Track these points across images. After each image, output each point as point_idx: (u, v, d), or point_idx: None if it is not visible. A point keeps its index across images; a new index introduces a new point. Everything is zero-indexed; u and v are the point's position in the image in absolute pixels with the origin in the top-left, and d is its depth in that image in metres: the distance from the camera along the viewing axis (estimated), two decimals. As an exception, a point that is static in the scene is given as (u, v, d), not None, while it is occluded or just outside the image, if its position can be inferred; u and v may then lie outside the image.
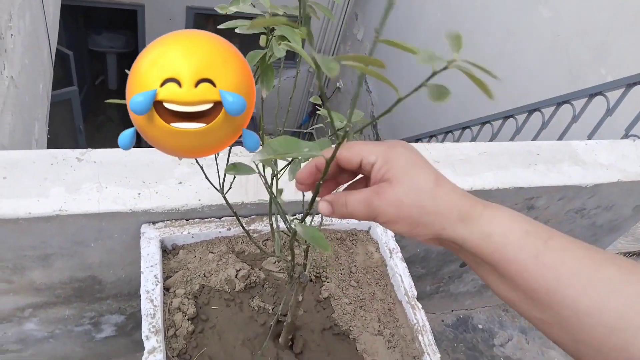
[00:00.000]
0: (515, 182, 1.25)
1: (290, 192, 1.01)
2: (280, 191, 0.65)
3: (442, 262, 1.55)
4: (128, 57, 6.36)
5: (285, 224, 0.67)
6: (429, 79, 0.39)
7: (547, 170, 1.30)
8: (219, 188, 0.68)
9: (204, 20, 5.75)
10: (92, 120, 6.18)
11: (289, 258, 0.73)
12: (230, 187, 0.71)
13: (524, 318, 0.47)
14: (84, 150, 0.97)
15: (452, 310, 1.98)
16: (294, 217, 0.73)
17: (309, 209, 0.54)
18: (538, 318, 0.44)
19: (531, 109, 2.30)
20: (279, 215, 0.71)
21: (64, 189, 0.91)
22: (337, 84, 6.17)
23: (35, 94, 2.07)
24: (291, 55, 5.25)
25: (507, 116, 2.44)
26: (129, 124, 0.47)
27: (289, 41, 0.53)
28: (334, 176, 0.52)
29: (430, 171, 0.46)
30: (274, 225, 0.73)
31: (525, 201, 1.33)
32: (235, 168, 0.56)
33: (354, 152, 0.48)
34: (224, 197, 0.69)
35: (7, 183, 0.89)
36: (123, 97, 0.46)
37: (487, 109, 2.74)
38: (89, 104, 6.12)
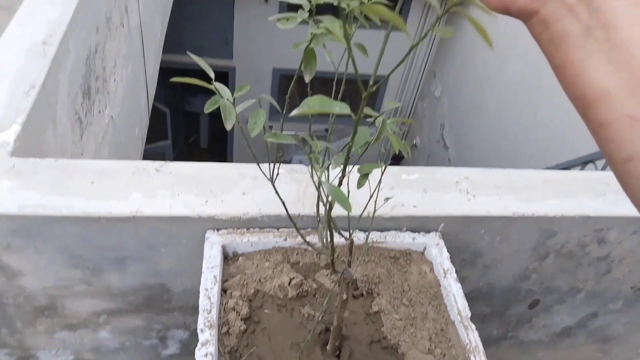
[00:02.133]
0: (582, 211, 1.21)
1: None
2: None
3: (507, 301, 1.49)
4: (219, 117, 6.84)
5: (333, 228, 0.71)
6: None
7: (617, 201, 1.24)
8: (281, 198, 0.75)
9: (288, 80, 6.12)
10: (182, 173, 6.64)
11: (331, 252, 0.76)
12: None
13: (600, 123, 0.41)
14: (162, 162, 1.09)
15: (526, 362, 1.85)
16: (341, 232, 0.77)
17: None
18: (629, 116, 0.39)
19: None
20: (324, 212, 0.76)
21: (141, 194, 1.02)
22: (414, 141, 6.21)
23: (130, 136, 2.32)
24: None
25: (586, 161, 2.35)
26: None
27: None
28: None
29: None
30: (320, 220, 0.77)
31: (595, 233, 1.27)
32: (275, 136, 0.62)
33: None
34: (283, 204, 0.75)
35: (94, 187, 1.01)
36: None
37: (567, 155, 2.65)
38: (181, 160, 6.61)
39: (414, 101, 6.30)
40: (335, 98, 0.62)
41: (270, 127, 6.36)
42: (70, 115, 1.44)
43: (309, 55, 0.66)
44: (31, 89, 1.16)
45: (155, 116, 4.17)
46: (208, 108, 0.64)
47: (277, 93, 6.17)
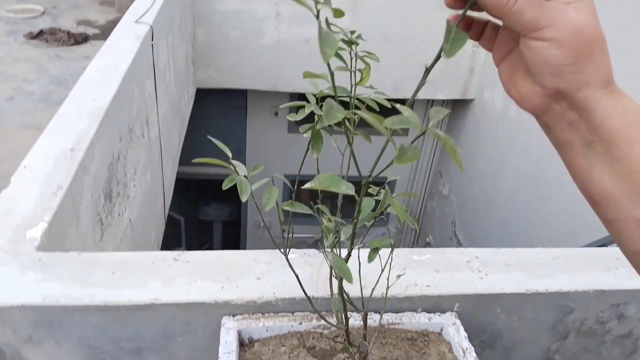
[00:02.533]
0: (596, 285, 1.21)
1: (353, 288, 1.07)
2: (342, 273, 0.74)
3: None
4: (232, 225, 6.98)
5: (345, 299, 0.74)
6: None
7: (630, 274, 1.25)
8: (298, 280, 0.78)
9: (299, 184, 6.28)
10: (195, 282, 6.60)
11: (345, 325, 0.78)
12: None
13: (609, 220, 0.44)
14: (180, 252, 1.13)
15: None
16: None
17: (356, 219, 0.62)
18: (634, 218, 0.42)
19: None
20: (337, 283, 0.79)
21: (160, 282, 1.05)
22: (427, 239, 6.21)
23: (147, 240, 2.38)
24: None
25: (602, 244, 2.35)
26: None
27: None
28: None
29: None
30: (334, 289, 0.80)
31: (612, 308, 1.25)
32: (292, 205, 0.67)
33: (531, 17, 0.42)
34: (298, 280, 0.79)
35: (115, 277, 1.05)
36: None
37: (578, 243, 2.64)
38: (194, 267, 6.61)
39: (423, 201, 6.39)
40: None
41: (283, 231, 6.42)
42: (92, 216, 1.51)
43: (316, 136, 0.73)
44: (58, 190, 1.24)
45: (171, 225, 4.26)
46: (226, 185, 0.70)
47: (289, 198, 6.32)
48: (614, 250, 1.34)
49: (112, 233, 1.75)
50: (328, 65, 0.57)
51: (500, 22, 0.48)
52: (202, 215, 7.08)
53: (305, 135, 0.71)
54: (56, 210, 1.20)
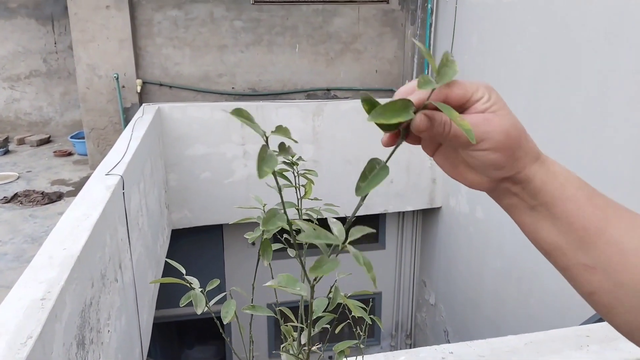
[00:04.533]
0: (570, 365, 1.22)
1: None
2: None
3: None
4: (218, 366, 6.63)
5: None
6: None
7: (601, 349, 1.27)
8: None
9: (282, 312, 6.12)
10: None
11: None
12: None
13: (562, 267, 0.48)
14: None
15: None
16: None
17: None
18: (582, 264, 0.47)
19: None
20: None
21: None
22: (423, 354, 5.97)
23: (125, 389, 2.27)
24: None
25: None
26: None
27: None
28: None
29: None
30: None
31: (593, 386, 1.25)
32: (254, 308, 0.71)
33: (464, 88, 0.48)
34: None
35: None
36: None
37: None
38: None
39: (412, 313, 6.27)
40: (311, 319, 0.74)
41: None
42: (64, 366, 1.48)
43: (265, 246, 0.80)
44: (28, 340, 1.24)
45: (152, 374, 4.05)
46: (183, 302, 0.74)
47: (273, 324, 6.12)
48: (584, 328, 1.37)
49: (86, 383, 1.69)
50: (275, 179, 0.65)
51: None
52: (185, 359, 6.74)
53: (250, 241, 0.77)
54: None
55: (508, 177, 0.50)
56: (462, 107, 0.49)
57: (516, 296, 4.01)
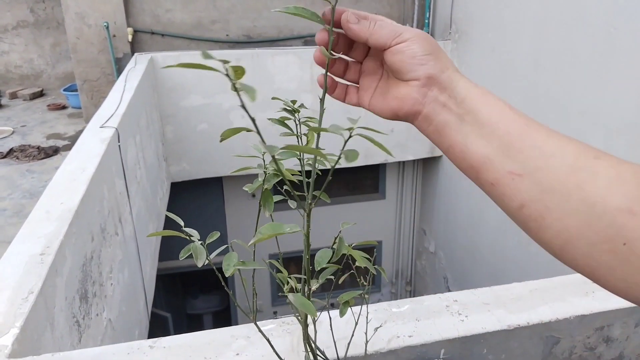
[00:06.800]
0: (576, 311, 1.21)
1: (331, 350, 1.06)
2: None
3: None
4: (222, 315, 6.79)
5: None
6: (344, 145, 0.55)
7: (608, 295, 1.25)
8: (272, 347, 0.78)
9: (285, 261, 6.21)
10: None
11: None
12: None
13: (491, 183, 0.50)
14: (156, 339, 1.11)
15: None
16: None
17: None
18: (509, 172, 0.48)
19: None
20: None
21: (137, 373, 1.02)
22: (423, 300, 6.10)
23: (130, 339, 2.30)
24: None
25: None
26: None
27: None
28: (344, 49, 0.60)
29: None
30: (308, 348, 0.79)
31: (597, 332, 1.25)
32: (244, 263, 0.68)
33: (390, 30, 0.54)
34: (275, 352, 0.79)
35: (90, 374, 1.02)
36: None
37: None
38: None
39: (412, 261, 6.36)
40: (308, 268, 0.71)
41: (275, 313, 6.26)
42: (68, 319, 1.48)
43: (266, 196, 0.76)
44: (29, 295, 1.23)
45: (158, 323, 4.14)
46: (183, 255, 0.71)
47: (273, 277, 6.23)
48: (588, 274, 1.36)
49: (91, 334, 1.70)
50: (252, 119, 0.60)
51: (356, 85, 0.63)
52: (190, 309, 6.89)
53: (250, 191, 0.74)
54: (28, 315, 1.18)
55: (434, 80, 0.53)
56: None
57: (516, 244, 4.04)
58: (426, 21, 5.08)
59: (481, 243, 4.64)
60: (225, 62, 0.44)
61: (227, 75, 0.44)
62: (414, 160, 5.72)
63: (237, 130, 0.54)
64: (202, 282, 6.94)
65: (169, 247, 4.29)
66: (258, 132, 0.51)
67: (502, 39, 4.00)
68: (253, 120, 0.49)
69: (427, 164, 5.69)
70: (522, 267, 3.98)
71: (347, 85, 0.63)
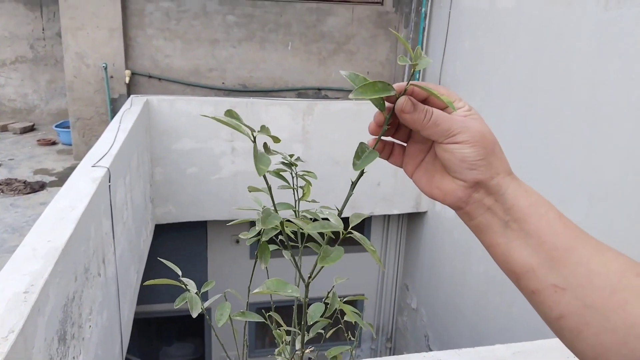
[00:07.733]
0: (558, 376, 1.22)
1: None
2: None
3: None
4: (197, 363, 6.58)
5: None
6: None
7: (589, 361, 1.27)
8: None
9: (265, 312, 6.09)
10: None
11: None
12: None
13: (532, 291, 0.49)
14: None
15: None
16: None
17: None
18: (553, 285, 0.48)
19: None
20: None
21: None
22: (403, 357, 6.00)
23: (105, 385, 2.23)
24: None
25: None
26: None
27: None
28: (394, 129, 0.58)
29: None
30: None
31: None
32: (243, 314, 0.70)
33: (447, 91, 0.54)
34: None
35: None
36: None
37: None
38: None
39: (393, 315, 6.29)
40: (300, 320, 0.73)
41: (252, 365, 6.07)
42: (44, 361, 1.44)
43: (263, 248, 0.78)
44: (10, 334, 1.21)
45: (130, 369, 3.99)
46: (178, 303, 0.72)
47: (256, 323, 6.09)
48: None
49: (66, 379, 1.65)
50: (265, 180, 0.64)
51: (404, 144, 0.60)
52: (164, 356, 6.66)
53: (249, 244, 0.76)
54: (6, 355, 1.15)
55: (482, 184, 0.52)
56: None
57: (498, 303, 4.04)
58: (416, 81, 5.27)
59: (463, 299, 4.62)
60: (256, 130, 0.47)
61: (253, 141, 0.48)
62: (399, 215, 5.77)
63: (258, 189, 0.57)
64: (178, 328, 6.76)
65: (147, 290, 4.21)
66: (271, 195, 0.55)
67: (490, 103, 4.15)
68: (269, 187, 0.52)
69: (412, 219, 5.74)
70: (504, 327, 3.97)
71: (394, 143, 0.60)
